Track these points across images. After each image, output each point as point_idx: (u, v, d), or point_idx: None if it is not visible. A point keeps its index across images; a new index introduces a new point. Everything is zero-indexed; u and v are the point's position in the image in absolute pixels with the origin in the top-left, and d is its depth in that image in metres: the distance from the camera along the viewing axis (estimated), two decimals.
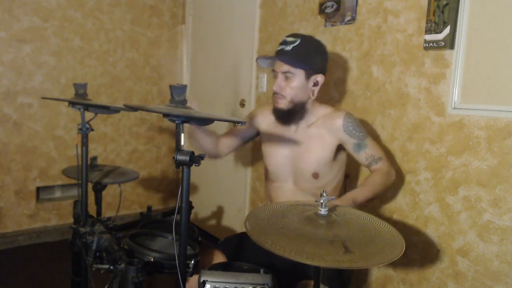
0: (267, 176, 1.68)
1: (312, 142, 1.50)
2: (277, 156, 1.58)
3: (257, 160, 2.59)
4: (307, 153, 1.50)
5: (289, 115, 1.49)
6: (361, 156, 1.50)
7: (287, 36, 1.46)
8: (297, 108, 1.48)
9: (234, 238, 1.62)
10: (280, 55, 1.44)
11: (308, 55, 1.44)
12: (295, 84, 1.45)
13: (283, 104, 1.47)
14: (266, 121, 1.63)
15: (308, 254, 0.83)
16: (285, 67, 1.43)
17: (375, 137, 1.83)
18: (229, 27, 2.84)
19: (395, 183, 1.76)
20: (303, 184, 1.54)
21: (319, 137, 1.50)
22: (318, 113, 1.53)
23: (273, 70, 1.49)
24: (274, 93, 1.48)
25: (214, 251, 1.53)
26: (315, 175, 1.50)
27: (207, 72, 3.12)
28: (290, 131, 1.55)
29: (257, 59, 1.52)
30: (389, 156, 1.71)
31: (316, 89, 1.50)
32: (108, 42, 3.02)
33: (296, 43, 1.42)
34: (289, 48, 1.42)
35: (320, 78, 1.49)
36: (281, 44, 1.45)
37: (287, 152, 1.55)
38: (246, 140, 1.73)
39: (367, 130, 1.57)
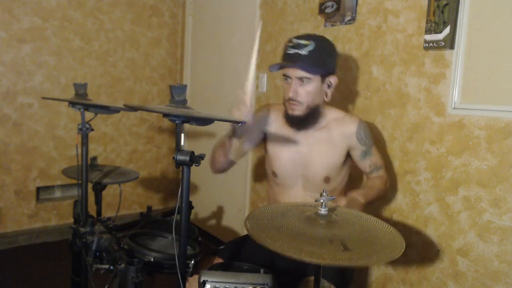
0: (271, 180, 1.60)
1: (323, 146, 1.46)
2: (285, 160, 1.50)
3: (257, 160, 2.58)
4: (318, 158, 1.46)
5: (304, 120, 1.43)
6: (365, 163, 1.51)
7: (299, 38, 1.37)
8: (313, 112, 1.43)
9: (234, 243, 1.57)
10: (296, 60, 1.35)
11: (324, 58, 1.38)
12: (311, 89, 1.39)
13: (299, 111, 1.41)
14: (276, 122, 1.54)
15: (307, 253, 0.84)
16: (301, 73, 1.36)
17: (376, 137, 1.83)
18: (229, 27, 2.84)
19: (394, 184, 1.76)
20: (313, 188, 1.49)
21: (330, 141, 1.47)
22: (329, 116, 1.49)
23: (285, 75, 1.41)
24: (289, 100, 1.40)
25: (213, 258, 1.49)
26: (327, 179, 1.48)
27: (207, 72, 3.12)
28: (299, 134, 1.48)
29: (270, 67, 1.41)
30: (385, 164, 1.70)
31: (330, 91, 1.45)
32: (108, 42, 3.02)
33: (312, 47, 1.34)
34: (304, 52, 1.34)
35: (333, 79, 1.44)
36: (293, 47, 1.36)
37: (296, 156, 1.49)
38: (256, 143, 1.58)
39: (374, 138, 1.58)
